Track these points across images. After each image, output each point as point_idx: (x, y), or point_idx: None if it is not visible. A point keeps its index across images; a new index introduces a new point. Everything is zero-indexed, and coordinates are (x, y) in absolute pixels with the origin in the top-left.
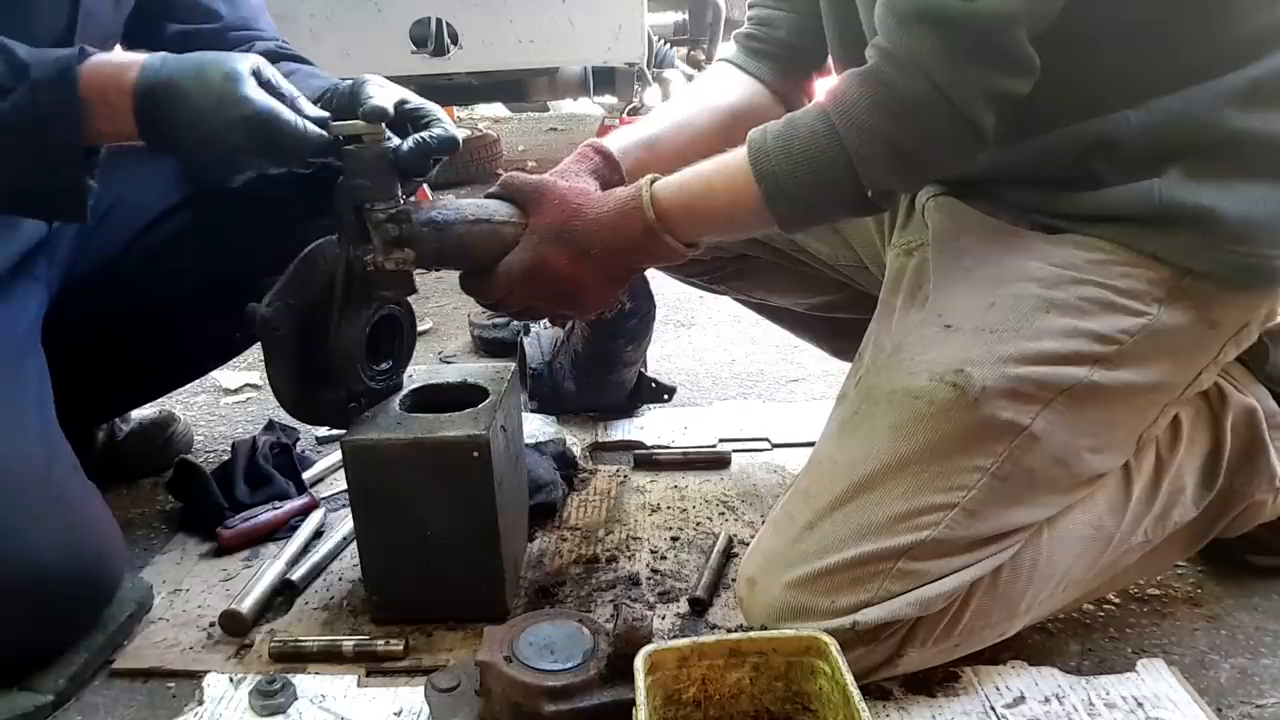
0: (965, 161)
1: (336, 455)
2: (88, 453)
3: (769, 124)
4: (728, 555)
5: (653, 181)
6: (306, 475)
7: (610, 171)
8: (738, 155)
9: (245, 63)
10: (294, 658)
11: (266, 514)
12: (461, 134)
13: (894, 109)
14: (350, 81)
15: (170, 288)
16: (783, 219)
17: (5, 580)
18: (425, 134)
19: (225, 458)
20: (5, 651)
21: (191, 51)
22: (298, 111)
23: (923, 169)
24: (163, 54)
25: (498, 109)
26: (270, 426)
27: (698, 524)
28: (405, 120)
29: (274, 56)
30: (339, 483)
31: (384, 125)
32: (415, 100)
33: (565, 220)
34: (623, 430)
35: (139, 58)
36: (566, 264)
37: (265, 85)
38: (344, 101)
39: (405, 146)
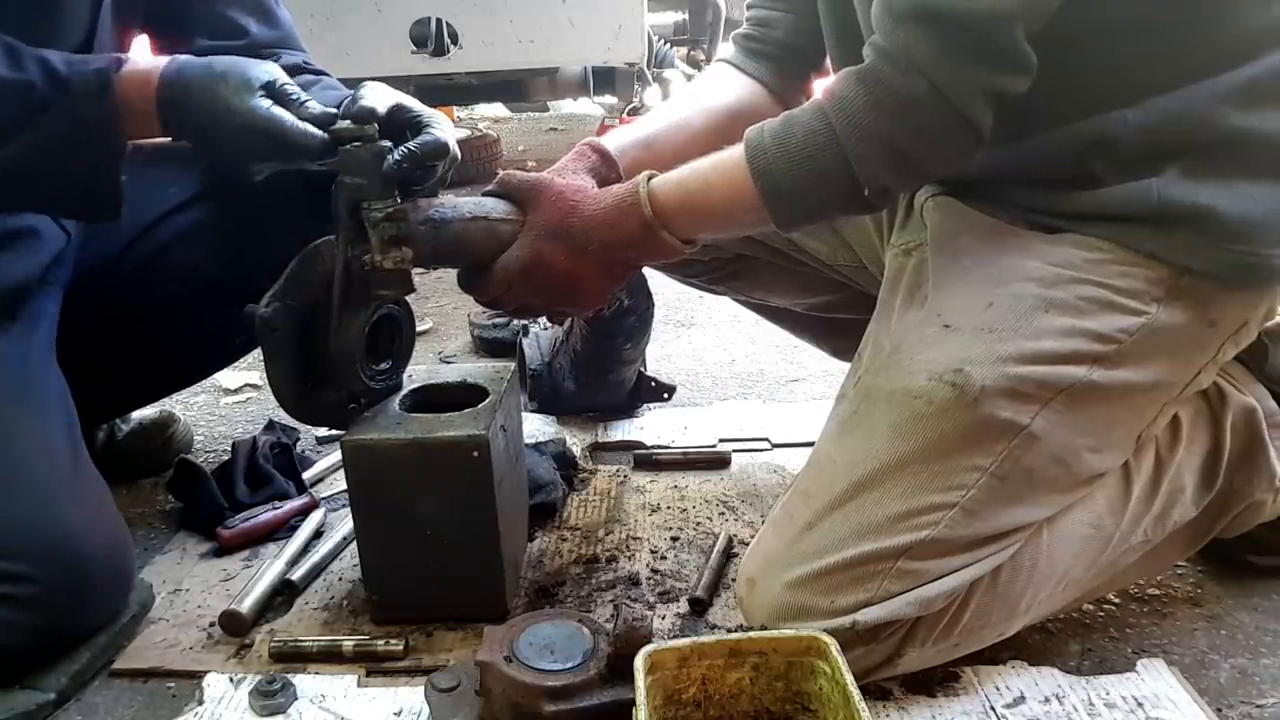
0: (962, 160)
1: (336, 455)
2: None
3: (766, 122)
4: (728, 555)
5: (650, 178)
6: (306, 475)
7: (608, 170)
8: (735, 153)
9: (260, 70)
10: (294, 658)
11: (266, 514)
12: (460, 134)
13: (891, 107)
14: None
15: (174, 285)
16: (779, 217)
17: (51, 567)
18: (414, 142)
19: (225, 458)
20: (43, 641)
21: None
22: (306, 116)
23: (919, 168)
24: (184, 59)
25: (498, 109)
26: (270, 426)
27: (698, 524)
28: (402, 126)
29: (295, 70)
30: (339, 483)
31: (375, 126)
32: (414, 106)
33: (562, 217)
34: (623, 430)
35: (160, 62)
36: (563, 260)
37: (276, 92)
38: (348, 109)
39: (394, 157)
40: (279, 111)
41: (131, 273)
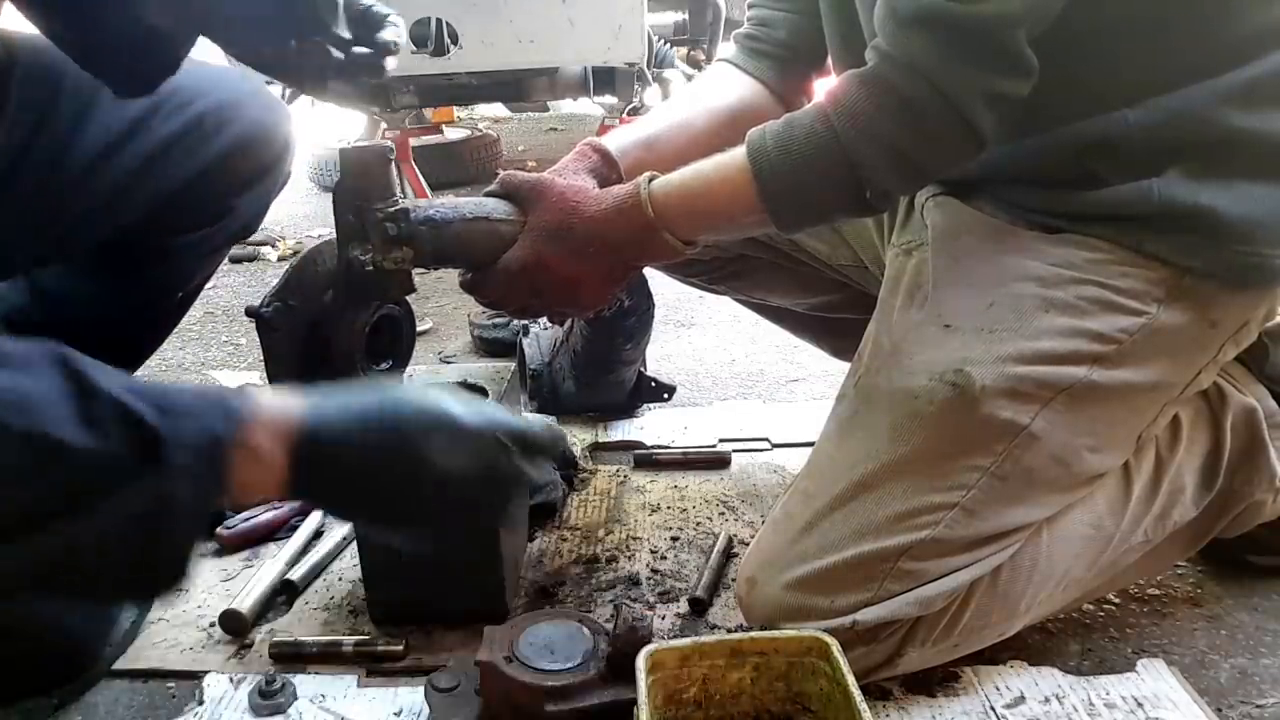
0: (964, 163)
1: None
2: None
3: (768, 124)
4: (728, 555)
5: (651, 179)
6: None
7: (608, 170)
8: (736, 154)
9: (450, 399)
10: (294, 658)
11: (266, 514)
12: (460, 134)
13: (894, 111)
14: None
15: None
16: (780, 219)
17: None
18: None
19: None
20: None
21: None
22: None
23: (921, 170)
24: (327, 398)
25: (498, 109)
26: None
27: (698, 524)
28: (357, 21)
29: None
30: None
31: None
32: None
33: (563, 218)
34: (623, 430)
35: (297, 407)
36: (564, 261)
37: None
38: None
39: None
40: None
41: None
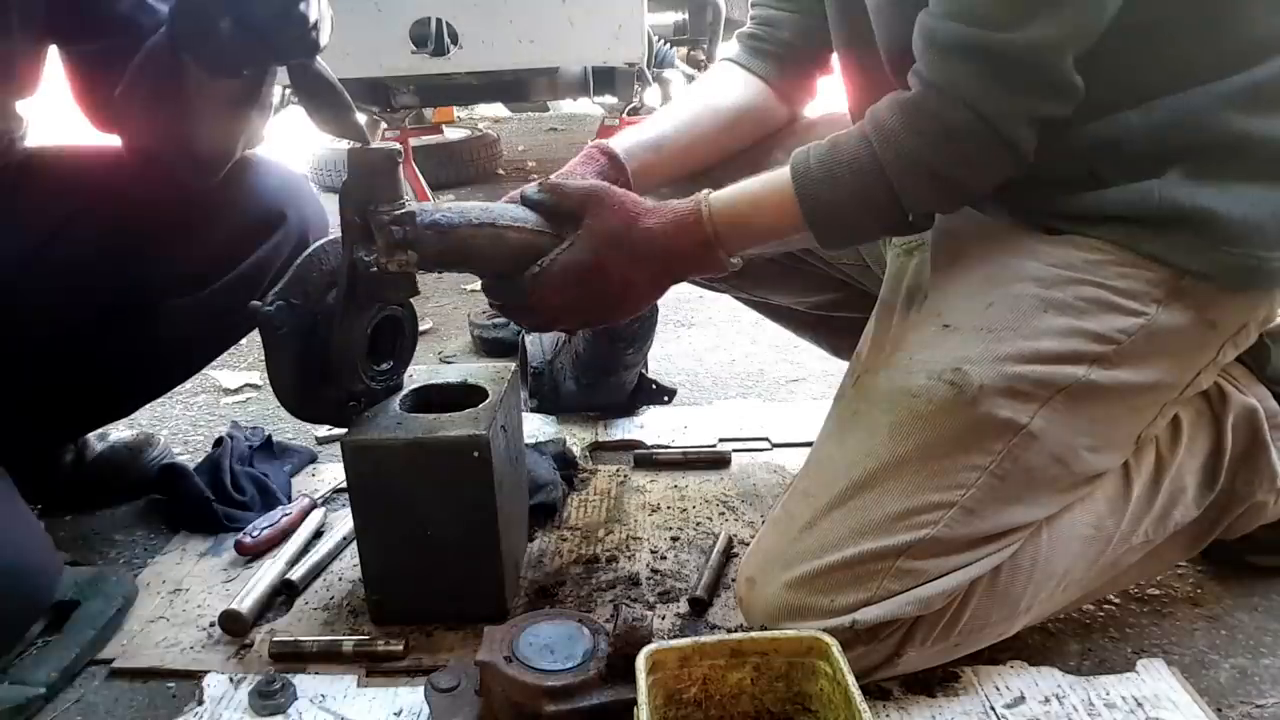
0: (1004, 180)
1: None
2: (51, 474)
3: (812, 145)
4: (728, 555)
5: (708, 195)
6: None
7: (616, 173)
8: (782, 176)
9: None
10: (294, 658)
11: (280, 519)
12: (460, 134)
13: (935, 138)
14: None
15: (76, 304)
16: (824, 239)
17: None
18: None
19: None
20: None
21: None
22: None
23: (963, 191)
24: None
25: (498, 109)
26: (235, 427)
27: (698, 524)
28: None
29: None
30: (327, 482)
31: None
32: None
33: (626, 226)
34: (623, 430)
35: None
36: (621, 269)
37: None
38: None
39: None
40: None
41: (38, 285)
